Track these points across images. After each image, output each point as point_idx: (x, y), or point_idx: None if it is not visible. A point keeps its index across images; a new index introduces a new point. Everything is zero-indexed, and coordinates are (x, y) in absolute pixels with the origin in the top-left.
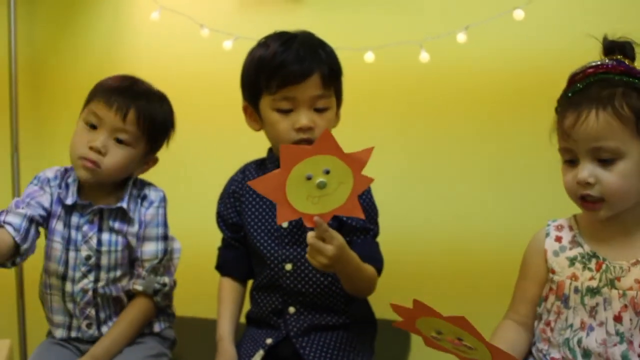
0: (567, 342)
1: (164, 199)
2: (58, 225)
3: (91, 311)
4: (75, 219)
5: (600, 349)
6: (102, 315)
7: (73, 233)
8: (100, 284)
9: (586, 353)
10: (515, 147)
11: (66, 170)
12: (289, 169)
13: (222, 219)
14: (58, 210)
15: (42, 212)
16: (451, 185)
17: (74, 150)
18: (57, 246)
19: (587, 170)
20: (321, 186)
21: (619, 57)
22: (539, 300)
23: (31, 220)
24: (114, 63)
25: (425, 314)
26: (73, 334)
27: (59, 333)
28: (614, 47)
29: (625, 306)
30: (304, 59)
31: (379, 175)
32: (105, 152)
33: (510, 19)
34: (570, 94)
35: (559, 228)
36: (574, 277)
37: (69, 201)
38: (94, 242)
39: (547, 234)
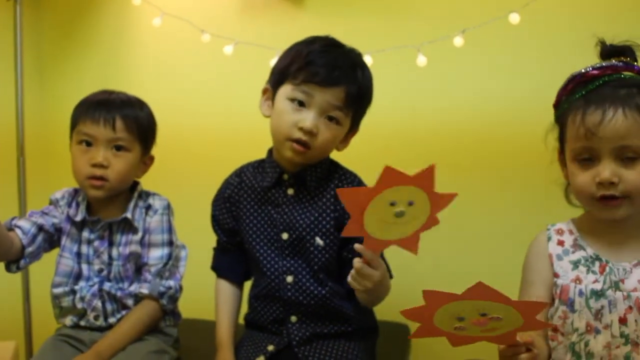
0: (572, 347)
1: (168, 207)
2: (68, 242)
3: (97, 303)
4: (85, 235)
5: (603, 352)
6: (109, 308)
7: (84, 248)
8: (108, 284)
9: (589, 356)
10: (513, 148)
11: (75, 191)
12: (381, 189)
13: (218, 223)
14: (68, 227)
15: (55, 223)
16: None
17: (78, 173)
18: (68, 262)
19: (609, 169)
20: (399, 215)
21: (623, 59)
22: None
23: (40, 227)
24: (117, 69)
25: (440, 302)
26: (82, 323)
27: (69, 321)
28: (612, 52)
29: (630, 307)
30: (338, 68)
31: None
32: (108, 165)
33: (506, 23)
34: (584, 92)
35: (560, 232)
36: (578, 280)
37: (78, 218)
38: (105, 256)
39: (549, 238)
